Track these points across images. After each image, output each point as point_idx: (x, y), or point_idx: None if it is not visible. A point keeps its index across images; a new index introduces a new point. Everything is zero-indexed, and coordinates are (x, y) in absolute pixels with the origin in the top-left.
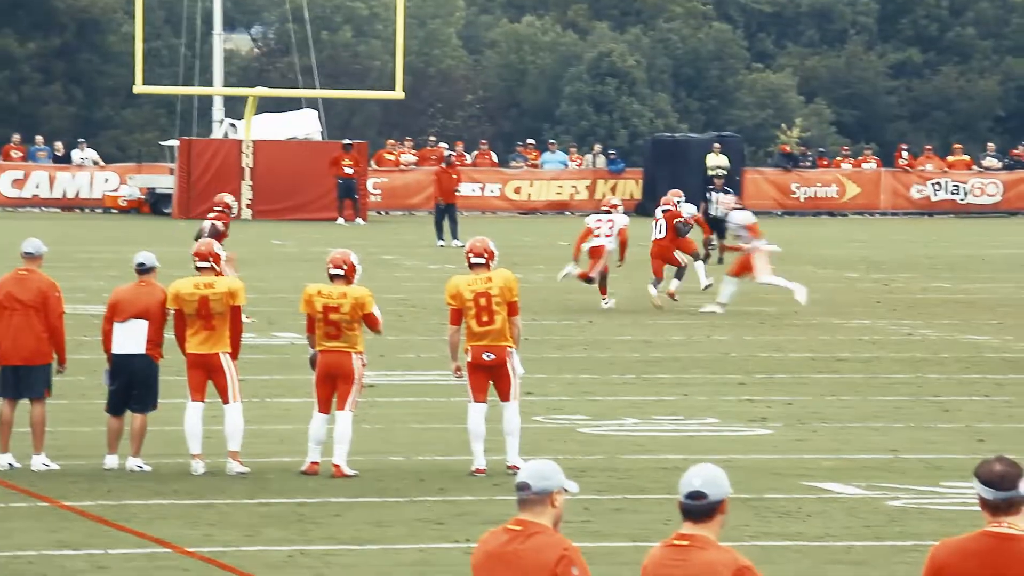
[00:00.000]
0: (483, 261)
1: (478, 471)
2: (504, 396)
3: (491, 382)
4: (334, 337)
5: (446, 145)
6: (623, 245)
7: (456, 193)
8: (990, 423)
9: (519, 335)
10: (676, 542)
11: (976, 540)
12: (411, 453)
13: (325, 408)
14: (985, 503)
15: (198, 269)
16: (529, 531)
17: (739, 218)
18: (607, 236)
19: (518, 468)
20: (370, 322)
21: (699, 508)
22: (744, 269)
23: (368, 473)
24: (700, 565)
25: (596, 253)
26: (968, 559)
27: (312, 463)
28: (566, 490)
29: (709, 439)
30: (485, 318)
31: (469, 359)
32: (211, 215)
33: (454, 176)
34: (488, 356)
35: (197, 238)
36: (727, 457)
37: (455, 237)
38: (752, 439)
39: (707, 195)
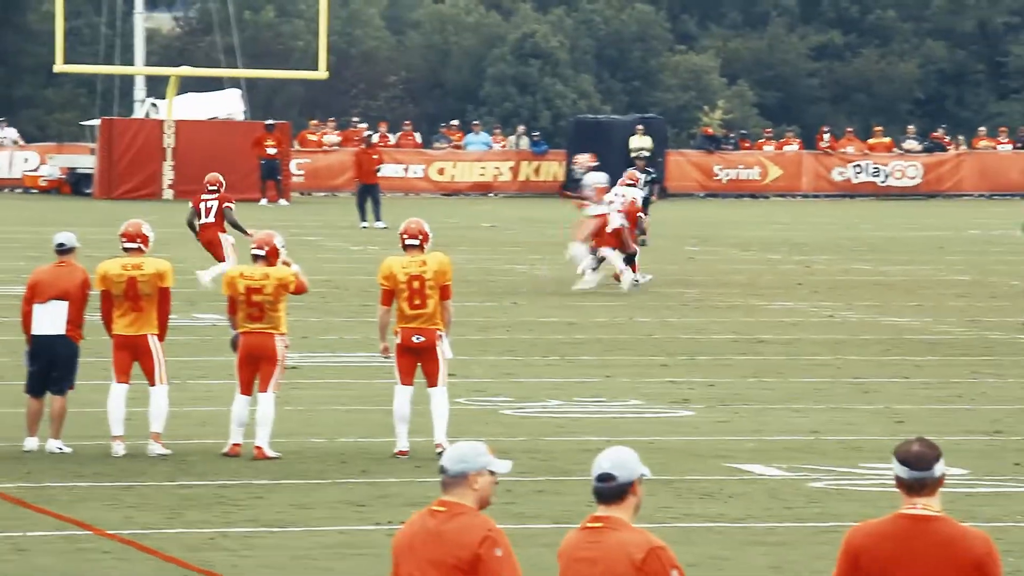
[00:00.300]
0: (418, 243)
1: (400, 453)
2: (432, 381)
3: (419, 365)
4: (256, 319)
5: (366, 125)
6: (631, 218)
7: (377, 174)
8: (909, 404)
9: (451, 319)
10: (590, 525)
11: (891, 522)
12: (334, 435)
13: (247, 390)
14: (901, 483)
15: (125, 250)
16: (453, 512)
17: (591, 179)
18: (619, 211)
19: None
20: (299, 291)
21: (609, 490)
22: (598, 235)
23: (290, 455)
24: (613, 547)
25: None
26: (883, 542)
27: (234, 445)
28: (491, 471)
29: (632, 421)
30: (417, 301)
31: (399, 341)
32: (208, 195)
33: (375, 157)
34: (418, 339)
35: (189, 223)
36: (649, 439)
37: (378, 218)
38: (674, 421)
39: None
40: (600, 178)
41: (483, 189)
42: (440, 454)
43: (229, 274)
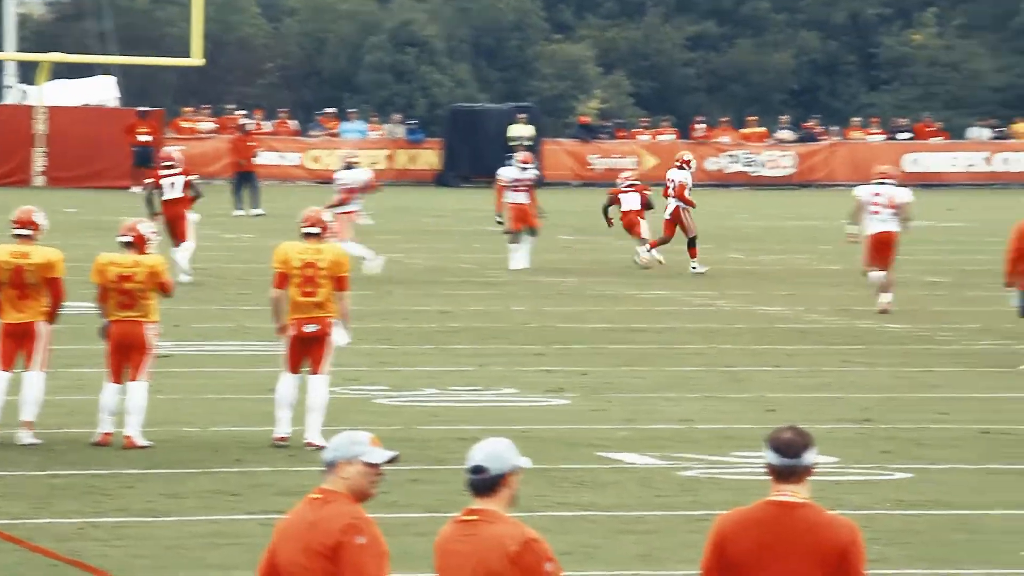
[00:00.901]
0: (317, 232)
1: (281, 439)
2: (316, 369)
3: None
4: (127, 307)
5: (245, 112)
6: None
7: (253, 161)
8: (781, 393)
9: (347, 310)
10: (465, 517)
11: (759, 509)
12: (206, 424)
13: (117, 378)
14: (772, 469)
15: (15, 237)
16: (326, 500)
17: (356, 176)
18: (671, 195)
19: (315, 446)
20: (164, 288)
21: (482, 482)
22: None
23: (162, 444)
24: (488, 539)
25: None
26: (751, 528)
27: (104, 434)
28: (365, 461)
29: (506, 409)
30: (309, 289)
31: (292, 331)
32: (167, 171)
33: (251, 144)
34: (310, 328)
35: (148, 201)
36: (524, 427)
37: (255, 206)
38: (548, 409)
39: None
40: (363, 176)
41: None
42: (312, 451)
43: (99, 262)
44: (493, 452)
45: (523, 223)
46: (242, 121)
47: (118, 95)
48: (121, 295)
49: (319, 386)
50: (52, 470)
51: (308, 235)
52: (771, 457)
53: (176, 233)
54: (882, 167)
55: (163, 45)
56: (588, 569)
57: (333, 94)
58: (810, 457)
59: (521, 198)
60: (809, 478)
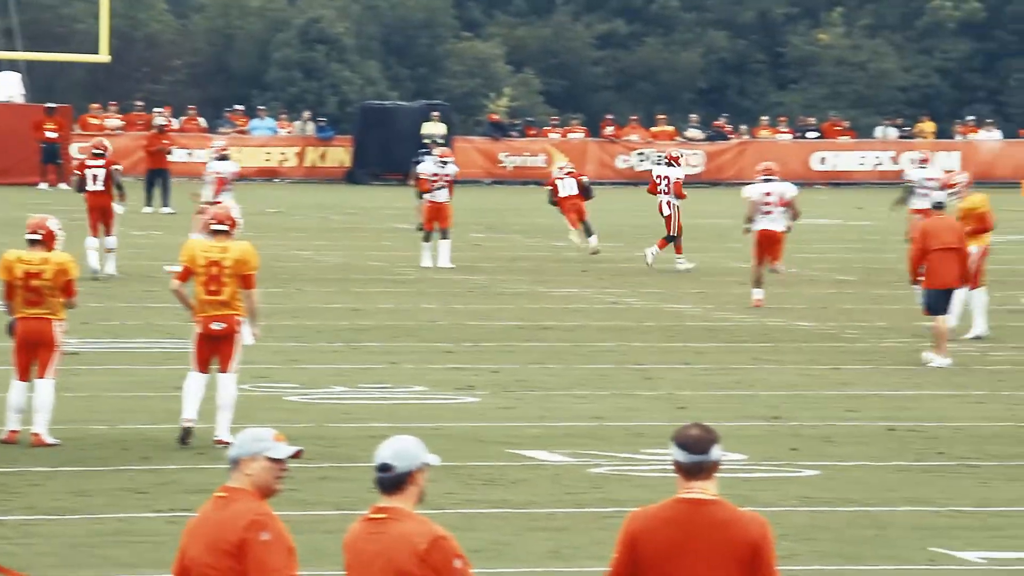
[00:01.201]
0: (225, 229)
1: (186, 421)
2: (224, 367)
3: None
4: (35, 304)
5: (161, 111)
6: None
7: (168, 159)
8: (690, 391)
9: (255, 308)
10: (373, 515)
11: (668, 507)
12: (115, 422)
13: (24, 376)
14: (679, 466)
15: None
16: (231, 498)
17: (227, 167)
18: (665, 192)
19: (224, 443)
20: (68, 290)
21: (389, 480)
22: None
23: (70, 442)
24: (396, 537)
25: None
26: (660, 526)
27: (11, 432)
28: (269, 457)
29: (417, 407)
30: (213, 287)
31: (198, 329)
32: (94, 161)
33: (165, 142)
34: (217, 326)
35: (78, 190)
36: (434, 425)
37: (165, 204)
38: (459, 407)
39: (420, 159)
40: (231, 167)
41: (268, 174)
42: (221, 448)
43: (6, 258)
44: (400, 450)
45: (437, 222)
46: (157, 119)
47: (23, 91)
48: (28, 292)
49: (227, 384)
50: None
51: (215, 232)
52: (679, 454)
53: (104, 223)
54: (766, 163)
55: (70, 41)
56: (499, 566)
57: (242, 91)
58: (717, 453)
59: (440, 196)
60: (717, 474)
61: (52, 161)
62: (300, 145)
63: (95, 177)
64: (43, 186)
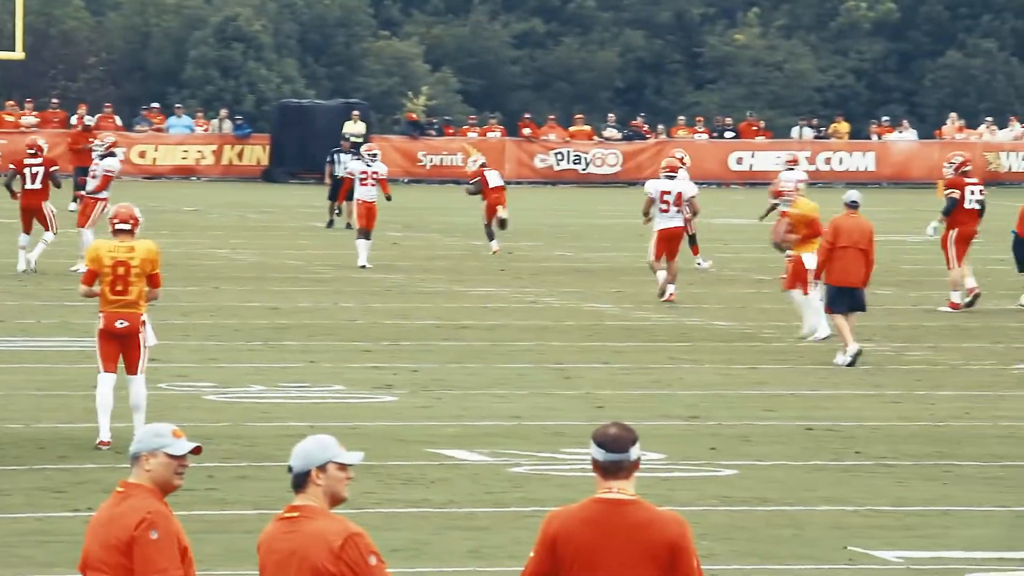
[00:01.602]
0: (128, 228)
1: (102, 443)
2: (131, 369)
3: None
4: None
5: (85, 111)
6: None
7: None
8: (609, 390)
9: (154, 298)
10: (286, 515)
11: (586, 508)
12: (31, 420)
13: None
14: (597, 465)
15: None
16: (126, 494)
17: (113, 164)
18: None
19: None
20: None
21: (292, 480)
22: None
23: None
24: (310, 535)
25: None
26: (579, 527)
27: None
28: (168, 454)
29: (335, 406)
30: (120, 287)
31: (101, 326)
32: (32, 160)
33: (91, 140)
34: (121, 324)
35: (7, 185)
36: (352, 424)
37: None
38: (377, 406)
39: (333, 157)
40: (113, 165)
41: (185, 173)
42: None
43: None
44: (298, 451)
45: (372, 220)
46: (85, 118)
47: None
48: None
49: (138, 386)
50: None
51: (119, 232)
52: (597, 453)
53: (38, 221)
54: (669, 160)
55: None
56: (418, 565)
57: (158, 89)
58: (635, 452)
59: (370, 193)
60: (636, 474)
61: None
62: (217, 143)
63: (34, 176)
64: None
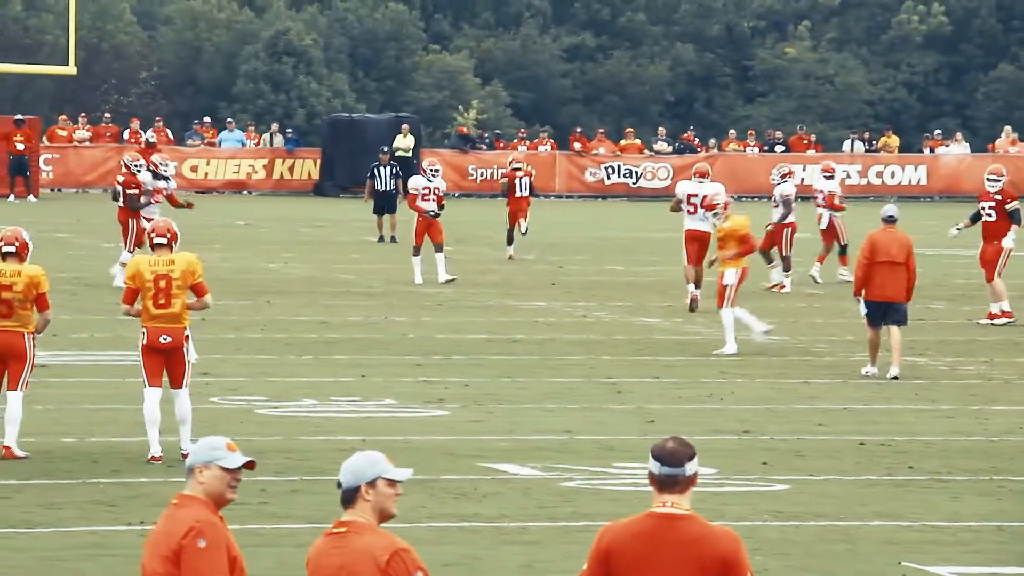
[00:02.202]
0: (165, 242)
1: (154, 459)
2: (176, 383)
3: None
4: (6, 316)
5: (139, 124)
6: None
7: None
8: (660, 404)
9: (205, 306)
10: (335, 530)
11: (641, 522)
12: (84, 434)
13: None
14: (653, 478)
15: None
16: (180, 505)
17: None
18: (821, 205)
19: None
20: (40, 303)
21: (342, 496)
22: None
23: (39, 455)
24: (357, 551)
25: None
26: (633, 541)
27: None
28: (222, 467)
29: (386, 420)
30: (163, 301)
31: (144, 341)
32: (127, 181)
33: (155, 157)
34: (165, 339)
35: (136, 205)
36: (404, 438)
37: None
38: (429, 420)
39: (374, 172)
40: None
41: (237, 187)
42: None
43: None
44: (347, 467)
45: (439, 234)
46: (146, 136)
47: None
48: None
49: (183, 400)
50: None
51: (158, 246)
52: (654, 466)
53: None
54: (699, 165)
55: (38, 53)
56: None
57: (209, 104)
58: (692, 467)
59: (430, 207)
60: (692, 489)
61: (20, 173)
62: (268, 157)
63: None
64: (11, 198)
